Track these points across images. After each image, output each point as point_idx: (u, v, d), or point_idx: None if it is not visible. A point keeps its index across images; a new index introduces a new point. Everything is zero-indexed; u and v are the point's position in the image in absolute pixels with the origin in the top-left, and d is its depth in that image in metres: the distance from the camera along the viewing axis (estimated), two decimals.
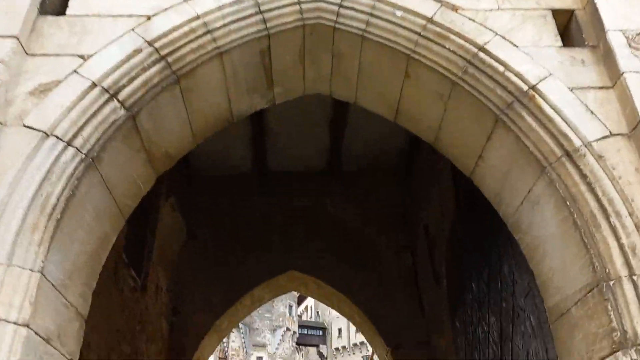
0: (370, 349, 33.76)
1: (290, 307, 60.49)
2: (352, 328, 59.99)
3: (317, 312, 66.41)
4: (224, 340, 57.19)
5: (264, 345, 57.91)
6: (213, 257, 8.53)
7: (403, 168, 8.85)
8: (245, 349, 57.30)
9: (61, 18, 3.03)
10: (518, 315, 3.40)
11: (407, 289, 8.20)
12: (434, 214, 7.23)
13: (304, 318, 66.37)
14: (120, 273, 5.68)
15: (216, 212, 8.80)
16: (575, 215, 2.61)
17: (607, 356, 2.34)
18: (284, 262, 8.47)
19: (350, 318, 8.78)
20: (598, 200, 2.55)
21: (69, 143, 2.69)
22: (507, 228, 3.61)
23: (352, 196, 8.98)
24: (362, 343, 57.90)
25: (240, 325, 57.10)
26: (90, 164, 2.78)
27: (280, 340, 58.42)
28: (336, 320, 62.25)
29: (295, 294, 62.28)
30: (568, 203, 2.64)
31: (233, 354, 56.30)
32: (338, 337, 62.38)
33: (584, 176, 2.61)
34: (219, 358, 53.80)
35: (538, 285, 3.06)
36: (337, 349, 62.20)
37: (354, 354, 59.87)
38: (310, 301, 67.64)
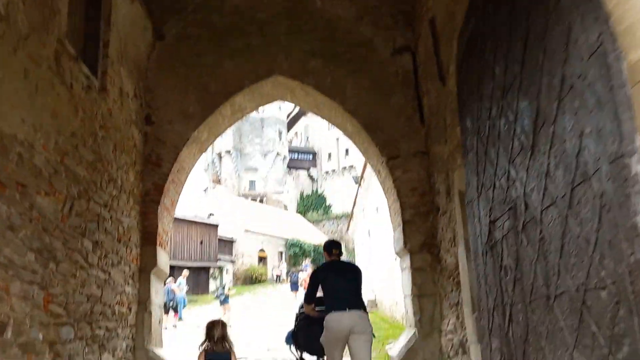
0: (358, 171, 34.35)
1: (280, 132, 60.97)
2: (342, 152, 61.30)
3: (307, 138, 67.19)
4: (216, 165, 58.58)
5: (255, 169, 59.49)
6: (186, 61, 7.48)
7: None
8: (237, 173, 58.95)
9: None
10: (571, 87, 2.55)
11: (406, 94, 7.35)
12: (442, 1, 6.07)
13: (294, 143, 67.39)
14: (64, 65, 4.68)
15: (186, 7, 7.52)
16: None
17: None
18: (266, 65, 7.45)
19: (342, 128, 8.04)
20: None
21: None
22: None
23: None
24: (351, 166, 59.57)
25: (232, 150, 58.06)
26: None
27: (271, 164, 59.86)
28: (326, 145, 63.37)
29: (285, 119, 62.41)
30: None
31: (226, 178, 58.06)
32: (328, 160, 64.01)
33: None
34: (212, 181, 55.60)
35: (615, 36, 2.14)
36: (327, 172, 64.24)
37: (343, 175, 61.93)
38: (299, 127, 68.07)
